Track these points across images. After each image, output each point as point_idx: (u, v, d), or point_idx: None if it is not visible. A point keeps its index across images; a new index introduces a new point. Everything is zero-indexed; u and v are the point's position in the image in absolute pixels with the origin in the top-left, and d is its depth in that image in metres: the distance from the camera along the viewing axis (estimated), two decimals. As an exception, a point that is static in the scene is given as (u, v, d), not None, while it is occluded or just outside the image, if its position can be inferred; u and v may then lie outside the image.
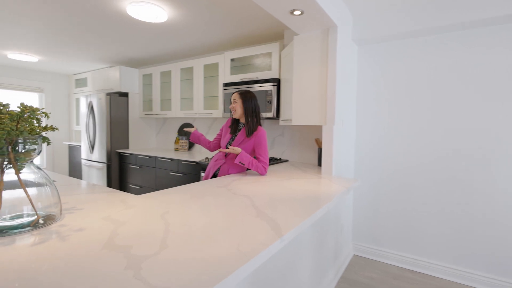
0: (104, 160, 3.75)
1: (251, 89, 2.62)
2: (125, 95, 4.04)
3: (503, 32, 1.84)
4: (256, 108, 1.94)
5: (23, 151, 0.90)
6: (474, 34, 1.93)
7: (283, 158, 2.90)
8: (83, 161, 4.18)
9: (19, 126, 0.84)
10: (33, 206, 0.89)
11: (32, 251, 0.71)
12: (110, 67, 4.07)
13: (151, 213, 1.03)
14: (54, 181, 1.69)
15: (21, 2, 2.12)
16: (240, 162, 1.82)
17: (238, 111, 1.92)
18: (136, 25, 2.54)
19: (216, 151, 2.69)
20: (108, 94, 3.73)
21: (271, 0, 1.57)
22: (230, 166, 1.94)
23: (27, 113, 0.87)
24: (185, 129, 2.14)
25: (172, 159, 3.12)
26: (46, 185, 0.94)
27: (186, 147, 3.72)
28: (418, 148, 2.16)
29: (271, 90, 2.52)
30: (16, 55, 3.87)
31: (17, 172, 0.88)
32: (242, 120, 1.97)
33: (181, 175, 2.99)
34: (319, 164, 2.40)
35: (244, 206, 1.14)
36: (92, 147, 3.96)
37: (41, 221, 0.91)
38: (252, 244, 0.78)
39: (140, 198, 1.24)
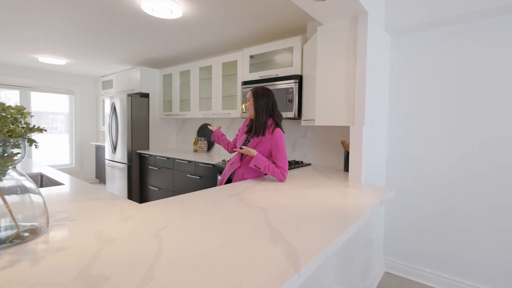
0: (125, 161, 3.77)
1: (272, 87, 2.44)
2: (146, 95, 4.04)
3: None
4: (269, 106, 1.75)
5: (5, 155, 0.80)
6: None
7: (305, 161, 2.68)
8: (106, 162, 4.25)
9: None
10: (13, 218, 0.78)
11: (-8, 279, 0.59)
12: (133, 68, 4.10)
13: (147, 228, 0.89)
14: (62, 184, 1.64)
15: (46, 6, 2.12)
16: (255, 166, 1.65)
17: (250, 110, 1.76)
18: (152, 23, 2.47)
19: (234, 154, 2.55)
20: (129, 95, 3.75)
21: (291, -16, 1.38)
22: (246, 170, 1.78)
23: (6, 114, 0.76)
24: (208, 126, 2.02)
25: (189, 161, 3.03)
26: (31, 193, 0.84)
27: (205, 148, 3.63)
28: (466, 154, 1.84)
29: (292, 88, 2.32)
30: (46, 59, 4.02)
31: (-6, 180, 0.77)
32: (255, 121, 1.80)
33: (198, 177, 2.89)
34: (346, 169, 2.16)
35: (256, 223, 0.97)
36: (114, 147, 4.01)
37: (25, 234, 0.80)
38: (260, 280, 0.61)
39: (142, 208, 1.11)
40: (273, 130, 1.72)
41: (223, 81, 3.09)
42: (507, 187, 1.71)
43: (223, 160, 2.69)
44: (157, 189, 3.54)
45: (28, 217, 0.83)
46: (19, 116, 0.79)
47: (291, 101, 2.32)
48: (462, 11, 1.68)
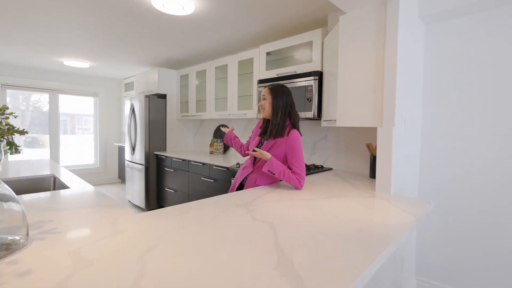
0: (143, 162, 3.77)
1: (289, 85, 2.27)
2: (164, 96, 4.03)
3: None
4: (288, 106, 1.58)
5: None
6: None
7: (325, 166, 2.47)
8: (126, 162, 4.30)
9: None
10: (-18, 233, 0.69)
11: None
12: (151, 69, 4.11)
13: (134, 247, 0.76)
14: (68, 187, 1.59)
15: (64, 8, 2.12)
16: (269, 171, 1.49)
17: (267, 109, 1.58)
18: (164, 20, 2.40)
19: (247, 157, 2.41)
20: (146, 96, 3.74)
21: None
22: (259, 176, 1.62)
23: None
24: (222, 128, 1.90)
25: (203, 164, 2.93)
26: (7, 202, 0.75)
27: (221, 150, 3.52)
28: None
29: (311, 86, 2.13)
30: (71, 62, 4.15)
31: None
32: (271, 121, 1.63)
33: (212, 181, 2.78)
34: (372, 175, 1.93)
35: (263, 243, 0.81)
36: (133, 148, 4.03)
37: (-1, 251, 0.71)
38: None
39: (138, 219, 0.99)
40: (289, 131, 1.55)
41: (239, 81, 2.96)
42: None
43: (237, 163, 2.55)
44: (173, 191, 3.49)
45: (2, 230, 0.74)
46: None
47: (310, 100, 2.13)
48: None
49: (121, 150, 5.42)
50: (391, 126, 1.46)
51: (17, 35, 2.87)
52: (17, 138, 4.41)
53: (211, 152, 3.58)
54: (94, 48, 3.34)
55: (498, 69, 1.59)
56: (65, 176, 1.84)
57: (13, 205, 0.75)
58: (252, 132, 1.78)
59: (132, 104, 4.02)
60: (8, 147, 0.77)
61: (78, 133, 5.54)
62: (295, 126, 1.58)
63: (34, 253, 0.72)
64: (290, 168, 1.53)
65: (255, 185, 1.61)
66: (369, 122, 1.57)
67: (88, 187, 1.51)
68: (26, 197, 1.28)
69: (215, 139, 3.55)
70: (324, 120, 2.11)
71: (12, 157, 4.72)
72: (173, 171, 3.47)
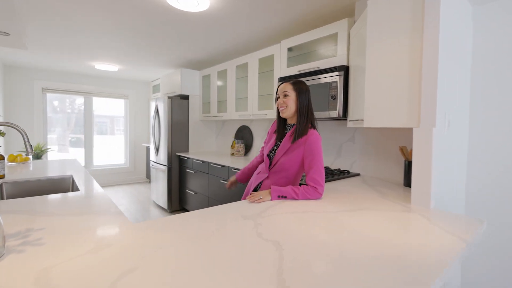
0: (166, 163, 3.80)
1: (311, 82, 2.08)
2: (187, 97, 4.03)
3: None
4: (310, 105, 1.41)
5: None
6: None
7: (352, 171, 2.23)
8: (151, 163, 4.38)
9: None
10: None
11: None
12: (175, 70, 4.13)
13: (109, 270, 0.65)
14: (77, 191, 1.57)
15: (90, 12, 2.17)
16: (279, 196, 1.31)
17: (291, 107, 1.39)
18: (180, 17, 2.34)
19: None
20: (169, 97, 3.76)
21: None
22: (274, 182, 1.47)
23: None
24: (226, 185, 1.81)
25: (222, 166, 2.84)
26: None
27: (242, 152, 3.41)
28: None
29: (335, 82, 1.92)
30: (101, 65, 4.33)
31: None
32: (292, 121, 1.46)
33: (231, 184, 2.67)
34: (406, 183, 1.68)
35: (264, 271, 0.66)
36: (157, 149, 4.08)
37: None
38: None
39: (128, 232, 0.89)
40: (307, 131, 1.37)
41: (259, 79, 2.82)
42: None
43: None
44: (193, 193, 3.45)
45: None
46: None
47: (334, 97, 1.93)
48: None
49: (148, 150, 5.58)
50: (430, 127, 1.21)
51: (50, 39, 3.01)
52: (63, 138, 4.67)
53: (232, 154, 3.49)
54: (120, 50, 3.42)
55: None
56: (79, 178, 1.84)
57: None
58: (268, 134, 1.63)
59: (156, 106, 4.08)
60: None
61: (117, 134, 5.83)
62: (313, 125, 1.40)
63: (5, 269, 0.64)
64: (306, 174, 1.36)
65: None
66: (403, 122, 1.34)
67: (98, 191, 1.47)
68: (30, 199, 1.26)
69: (236, 140, 3.45)
70: (350, 120, 1.89)
71: (50, 156, 5.06)
72: (194, 173, 3.43)
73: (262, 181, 1.52)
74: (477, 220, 1.06)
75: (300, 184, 1.42)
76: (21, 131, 1.64)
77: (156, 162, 4.14)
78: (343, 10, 2.10)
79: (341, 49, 1.97)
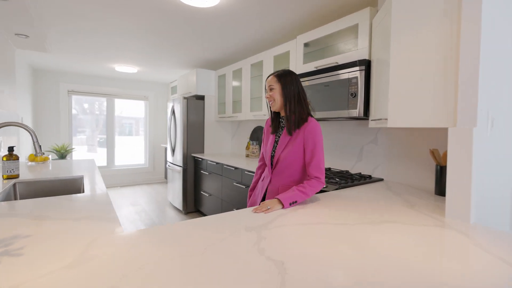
0: (181, 163, 3.77)
1: (328, 79, 1.92)
2: (202, 98, 3.99)
3: None
4: (301, 93, 1.30)
5: None
6: None
7: (375, 176, 2.04)
8: (167, 164, 4.39)
9: None
10: None
11: None
12: (191, 71, 4.12)
13: (81, 291, 0.56)
14: (82, 192, 1.53)
15: (108, 15, 2.17)
16: (291, 204, 1.18)
17: (277, 100, 1.31)
18: (190, 14, 2.27)
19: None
20: (185, 97, 3.74)
21: None
22: (279, 185, 1.34)
23: None
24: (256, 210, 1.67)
25: (235, 168, 2.74)
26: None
27: (257, 153, 3.29)
28: None
29: (356, 78, 1.75)
30: (121, 67, 4.41)
31: None
32: (284, 113, 1.34)
33: (244, 187, 2.56)
34: (438, 192, 1.47)
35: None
36: (173, 150, 4.08)
37: None
38: None
39: (115, 243, 0.81)
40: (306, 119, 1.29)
41: (274, 77, 2.69)
42: None
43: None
44: (207, 195, 3.39)
45: None
46: None
47: (354, 95, 1.75)
48: None
49: (166, 151, 5.63)
50: (471, 127, 1.02)
51: (72, 43, 3.09)
52: (91, 139, 4.84)
53: (247, 156, 3.38)
54: (137, 51, 3.44)
55: None
56: (89, 179, 1.82)
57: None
58: (264, 134, 1.50)
59: (172, 106, 4.08)
60: None
61: (141, 134, 5.99)
62: (310, 114, 1.31)
63: (-33, 287, 0.57)
64: (307, 165, 1.27)
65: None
66: (436, 121, 1.15)
67: (100, 193, 1.42)
68: (34, 201, 1.22)
69: (251, 142, 3.35)
70: (372, 120, 1.71)
71: (75, 156, 5.26)
72: (208, 174, 3.37)
73: (267, 187, 1.39)
74: (532, 241, 0.86)
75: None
76: (30, 131, 1.63)
77: (172, 163, 4.13)
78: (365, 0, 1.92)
79: (362, 42, 1.79)
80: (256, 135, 3.46)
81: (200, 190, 3.61)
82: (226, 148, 4.11)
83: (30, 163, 2.66)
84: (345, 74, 1.81)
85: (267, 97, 1.35)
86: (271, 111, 1.40)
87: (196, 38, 2.83)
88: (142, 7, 2.10)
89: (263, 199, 1.42)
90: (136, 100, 5.83)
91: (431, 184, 1.70)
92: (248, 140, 3.66)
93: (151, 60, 3.87)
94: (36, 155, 1.67)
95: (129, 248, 0.77)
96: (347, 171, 2.12)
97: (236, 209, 2.80)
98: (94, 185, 1.62)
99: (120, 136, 5.76)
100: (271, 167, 1.37)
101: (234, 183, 2.73)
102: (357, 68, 1.74)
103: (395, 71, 1.31)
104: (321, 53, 2.16)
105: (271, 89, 1.33)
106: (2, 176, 1.78)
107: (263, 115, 2.84)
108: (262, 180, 1.43)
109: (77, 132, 5.33)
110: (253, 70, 3.05)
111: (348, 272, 0.66)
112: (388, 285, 0.61)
